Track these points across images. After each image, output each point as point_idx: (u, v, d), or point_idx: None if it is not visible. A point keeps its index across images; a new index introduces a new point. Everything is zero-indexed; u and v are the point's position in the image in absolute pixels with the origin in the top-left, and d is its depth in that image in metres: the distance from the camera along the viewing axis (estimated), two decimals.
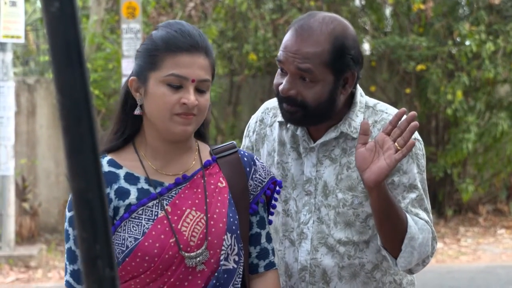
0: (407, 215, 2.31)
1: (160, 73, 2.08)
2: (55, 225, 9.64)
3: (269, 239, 2.30)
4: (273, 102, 2.57)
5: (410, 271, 2.40)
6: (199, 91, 2.10)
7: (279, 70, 2.39)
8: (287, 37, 2.35)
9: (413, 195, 2.37)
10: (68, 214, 2.16)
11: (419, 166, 2.39)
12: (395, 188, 2.36)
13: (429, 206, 2.43)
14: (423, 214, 2.37)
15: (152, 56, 2.10)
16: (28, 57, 13.39)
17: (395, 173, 2.36)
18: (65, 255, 2.17)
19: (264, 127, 2.56)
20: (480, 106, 10.17)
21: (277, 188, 2.32)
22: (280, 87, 2.34)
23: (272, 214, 2.35)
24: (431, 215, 2.43)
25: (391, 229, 2.30)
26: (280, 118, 2.49)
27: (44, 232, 9.60)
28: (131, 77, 2.14)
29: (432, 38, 10.17)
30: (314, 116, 2.34)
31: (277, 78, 2.39)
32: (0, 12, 8.39)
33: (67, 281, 2.17)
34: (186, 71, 2.08)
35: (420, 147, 2.41)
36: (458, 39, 10.16)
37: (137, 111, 2.14)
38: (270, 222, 2.34)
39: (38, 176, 9.85)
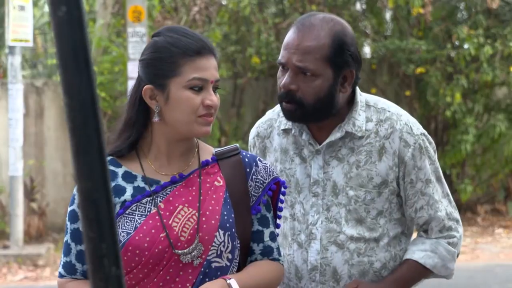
0: (424, 254, 2.48)
1: (182, 79, 2.10)
2: (62, 225, 9.52)
3: (273, 238, 2.26)
4: (266, 116, 2.65)
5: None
6: (213, 90, 2.16)
7: (280, 68, 2.42)
8: (289, 35, 2.40)
9: (430, 190, 2.47)
10: (69, 209, 2.20)
11: (430, 158, 2.47)
12: (413, 185, 2.45)
13: (447, 189, 2.53)
14: (444, 210, 2.51)
15: (169, 64, 2.11)
16: (36, 60, 13.45)
17: (411, 171, 2.44)
18: (63, 248, 2.19)
19: (262, 141, 2.61)
20: (479, 108, 10.20)
21: (282, 189, 2.29)
22: (282, 82, 2.39)
23: (279, 217, 2.32)
24: (450, 196, 2.54)
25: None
26: (282, 126, 2.55)
27: (52, 232, 9.61)
28: (146, 86, 2.13)
29: (431, 42, 10.19)
30: (313, 113, 2.38)
31: (279, 79, 2.43)
32: (9, 17, 8.45)
33: (59, 273, 2.19)
34: (206, 74, 2.12)
35: (426, 139, 2.48)
36: (457, 43, 10.20)
37: (155, 119, 2.14)
38: (278, 226, 2.31)
39: (46, 177, 9.86)
